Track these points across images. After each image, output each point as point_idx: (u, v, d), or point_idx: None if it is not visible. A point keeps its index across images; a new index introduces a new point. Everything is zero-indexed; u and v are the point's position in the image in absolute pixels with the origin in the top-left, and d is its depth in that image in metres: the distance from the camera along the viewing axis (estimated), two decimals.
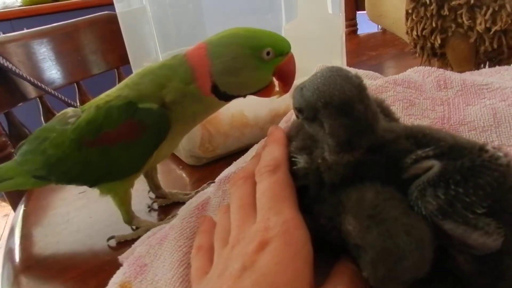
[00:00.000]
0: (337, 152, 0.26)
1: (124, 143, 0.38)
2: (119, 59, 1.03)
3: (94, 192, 0.43)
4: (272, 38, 0.38)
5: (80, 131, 0.39)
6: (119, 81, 1.21)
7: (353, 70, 0.56)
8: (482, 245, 0.21)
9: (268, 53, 0.37)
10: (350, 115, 0.25)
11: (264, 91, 0.40)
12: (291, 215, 0.27)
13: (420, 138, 0.26)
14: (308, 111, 0.27)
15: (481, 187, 0.22)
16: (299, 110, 0.28)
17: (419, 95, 0.50)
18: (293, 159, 0.30)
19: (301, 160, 0.29)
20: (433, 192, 0.22)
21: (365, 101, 0.26)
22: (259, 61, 0.37)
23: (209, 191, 0.45)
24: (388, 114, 0.33)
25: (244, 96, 0.41)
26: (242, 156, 0.51)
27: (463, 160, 0.23)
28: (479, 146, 0.24)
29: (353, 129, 0.25)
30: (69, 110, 0.42)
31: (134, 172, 0.42)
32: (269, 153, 0.31)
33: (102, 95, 0.41)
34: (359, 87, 0.26)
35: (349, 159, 0.26)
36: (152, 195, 0.51)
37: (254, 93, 0.40)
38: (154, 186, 0.49)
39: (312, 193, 0.29)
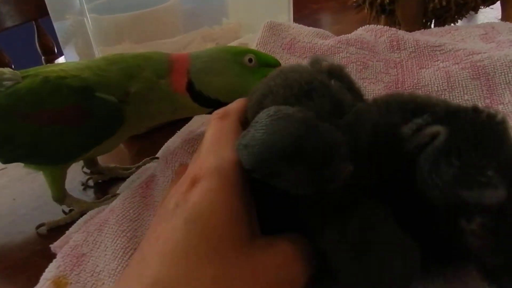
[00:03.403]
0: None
1: (62, 127, 0.34)
2: (36, 10, 0.90)
3: (17, 167, 0.37)
4: (254, 50, 0.39)
5: (15, 98, 0.34)
6: (39, 36, 1.08)
7: (302, 29, 0.53)
8: (496, 199, 0.21)
9: (250, 60, 0.37)
10: (310, 156, 0.21)
11: None
12: (228, 155, 0.25)
13: (413, 107, 0.24)
14: (262, 169, 0.23)
15: (488, 148, 0.22)
16: (251, 171, 0.24)
17: (372, 57, 0.48)
18: None
19: None
20: (446, 161, 0.21)
21: (318, 132, 0.22)
22: (242, 67, 0.37)
23: (152, 166, 0.40)
24: (350, 84, 0.31)
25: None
26: (186, 125, 0.47)
27: (464, 123, 0.22)
28: (472, 108, 0.23)
29: (321, 166, 0.22)
30: (6, 70, 0.36)
31: (64, 162, 0.37)
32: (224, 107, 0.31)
33: (54, 67, 0.36)
34: (305, 121, 0.22)
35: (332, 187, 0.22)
36: (87, 171, 0.45)
37: None
38: (88, 160, 0.44)
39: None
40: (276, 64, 0.39)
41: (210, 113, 0.39)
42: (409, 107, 0.24)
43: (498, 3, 0.65)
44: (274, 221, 0.25)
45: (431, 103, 0.25)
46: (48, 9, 0.61)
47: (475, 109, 0.23)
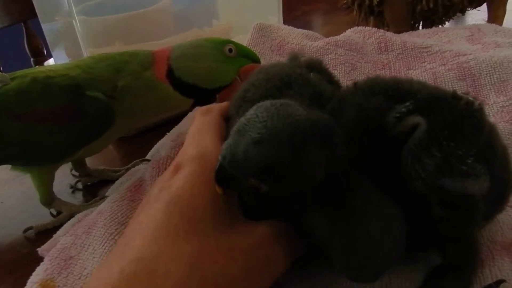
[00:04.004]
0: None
1: (54, 125, 0.34)
2: (25, 11, 0.89)
3: (5, 170, 0.36)
4: (235, 42, 0.39)
5: (5, 98, 0.34)
6: (28, 37, 1.07)
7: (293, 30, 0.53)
8: (478, 190, 0.22)
9: (230, 50, 0.38)
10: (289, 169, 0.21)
11: (228, 90, 0.38)
12: (210, 144, 0.27)
13: (396, 93, 0.25)
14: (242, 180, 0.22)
15: (467, 136, 0.22)
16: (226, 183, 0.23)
17: (360, 58, 0.48)
18: None
19: None
20: (428, 152, 0.22)
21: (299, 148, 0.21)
22: (221, 54, 0.38)
23: (142, 168, 0.40)
24: (329, 77, 0.32)
25: (208, 95, 0.38)
26: (176, 127, 0.47)
27: (444, 112, 0.23)
28: (451, 94, 0.24)
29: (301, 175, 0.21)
30: None
31: (56, 162, 0.37)
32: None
33: (41, 68, 0.37)
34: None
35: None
36: (76, 173, 0.45)
37: (217, 92, 0.38)
38: (77, 162, 0.44)
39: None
40: (255, 58, 0.39)
41: (192, 107, 0.39)
42: (392, 92, 0.25)
43: (485, 5, 0.66)
44: (257, 210, 0.26)
45: (413, 89, 0.25)
46: (37, 10, 0.61)
47: (454, 96, 0.24)
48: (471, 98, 0.24)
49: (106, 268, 0.22)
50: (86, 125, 0.35)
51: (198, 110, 0.31)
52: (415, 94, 0.24)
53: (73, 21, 0.50)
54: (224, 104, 0.31)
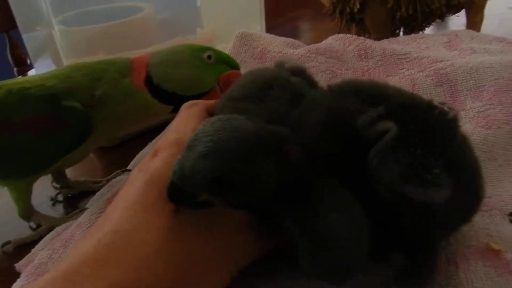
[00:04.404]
0: None
1: (31, 136, 0.34)
2: (7, 21, 0.88)
3: None
4: (214, 48, 0.39)
5: None
6: (11, 47, 1.06)
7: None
8: (440, 199, 0.21)
9: (209, 57, 0.38)
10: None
11: (207, 97, 0.38)
12: (189, 131, 0.26)
13: (368, 96, 0.25)
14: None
15: (437, 146, 0.22)
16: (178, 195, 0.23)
17: (341, 66, 0.49)
18: None
19: None
20: (394, 158, 0.22)
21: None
22: (200, 61, 0.38)
23: (124, 179, 0.40)
24: (312, 82, 0.32)
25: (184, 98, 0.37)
26: (159, 136, 0.47)
27: (416, 120, 0.23)
28: (426, 103, 0.24)
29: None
30: None
31: (34, 173, 0.36)
32: None
33: (18, 79, 0.36)
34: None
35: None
36: (57, 185, 0.44)
37: (195, 99, 0.37)
38: (57, 174, 0.43)
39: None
40: (235, 65, 0.39)
41: (172, 112, 0.39)
42: (365, 95, 0.25)
43: (464, 11, 0.67)
44: None
45: (388, 93, 0.25)
46: (17, 21, 0.60)
47: (430, 105, 0.24)
48: (446, 108, 0.24)
49: (85, 239, 0.24)
50: (64, 136, 0.34)
51: (184, 104, 0.32)
52: (389, 98, 0.24)
53: (53, 32, 0.50)
54: (211, 101, 0.32)
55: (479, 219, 0.29)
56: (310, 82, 0.32)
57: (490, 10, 0.68)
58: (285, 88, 0.29)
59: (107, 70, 0.36)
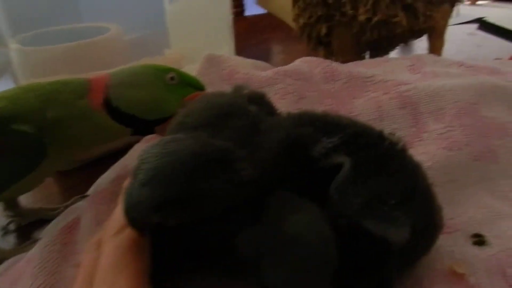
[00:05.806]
0: None
1: None
2: None
3: None
4: (178, 70, 0.38)
5: None
6: None
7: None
8: (399, 239, 0.21)
9: (172, 78, 0.36)
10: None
11: (169, 122, 0.36)
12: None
13: (324, 125, 0.25)
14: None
15: (391, 175, 0.23)
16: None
17: (308, 88, 0.49)
18: None
19: None
20: (353, 192, 0.22)
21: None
22: (163, 83, 0.36)
23: (81, 206, 0.38)
24: (270, 110, 0.32)
25: (149, 126, 0.37)
26: (122, 159, 0.45)
27: (369, 150, 0.23)
28: (377, 133, 0.25)
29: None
30: None
31: None
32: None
33: None
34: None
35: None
36: (9, 213, 0.42)
37: (158, 123, 0.37)
38: (9, 201, 0.40)
39: None
40: (200, 86, 0.38)
41: (132, 135, 0.38)
42: (320, 124, 0.25)
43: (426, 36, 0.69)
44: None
45: (342, 123, 0.25)
46: None
47: (380, 136, 0.24)
48: (394, 139, 0.25)
49: None
50: (13, 162, 0.32)
51: (109, 228, 0.24)
52: (343, 128, 0.25)
53: (11, 51, 0.48)
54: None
55: (443, 241, 0.29)
56: (269, 110, 0.31)
57: (450, 36, 0.71)
58: (242, 117, 0.28)
59: (61, 91, 0.34)
